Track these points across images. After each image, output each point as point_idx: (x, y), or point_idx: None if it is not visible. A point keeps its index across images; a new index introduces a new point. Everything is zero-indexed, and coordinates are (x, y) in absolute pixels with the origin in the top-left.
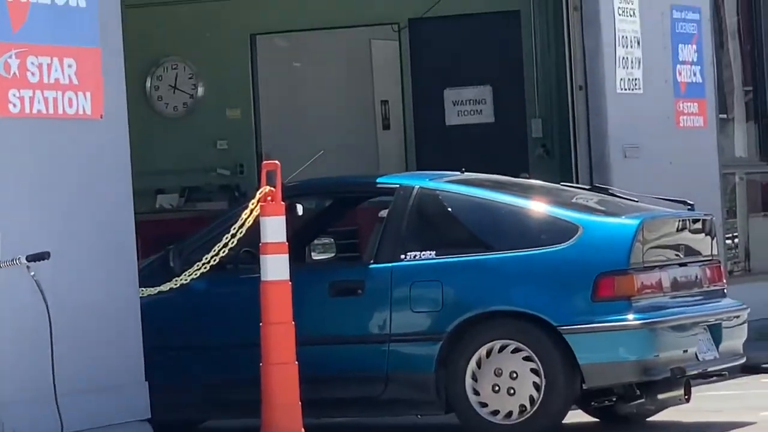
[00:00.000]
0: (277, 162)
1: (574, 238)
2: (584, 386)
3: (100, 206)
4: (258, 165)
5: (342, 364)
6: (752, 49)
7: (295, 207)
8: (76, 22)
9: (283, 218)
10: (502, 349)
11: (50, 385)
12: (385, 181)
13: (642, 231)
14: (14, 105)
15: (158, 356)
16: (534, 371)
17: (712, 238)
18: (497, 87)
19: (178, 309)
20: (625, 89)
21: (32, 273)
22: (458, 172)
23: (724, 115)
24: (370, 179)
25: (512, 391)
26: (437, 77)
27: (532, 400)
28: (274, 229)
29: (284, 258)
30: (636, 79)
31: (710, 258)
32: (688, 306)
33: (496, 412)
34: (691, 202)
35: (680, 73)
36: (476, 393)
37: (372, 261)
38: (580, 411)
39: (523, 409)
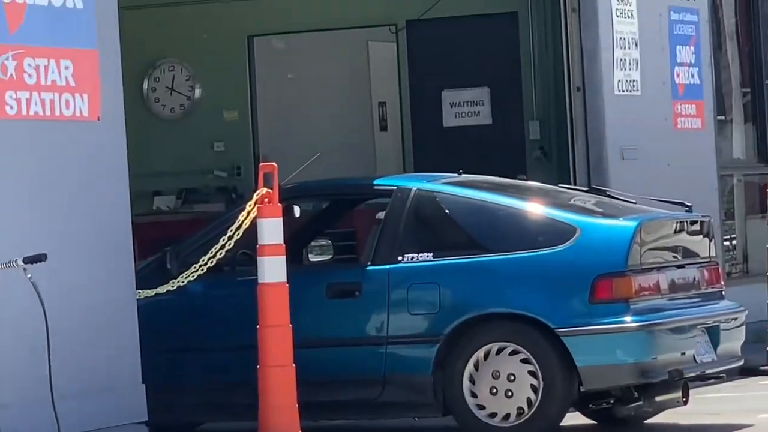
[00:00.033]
0: (274, 164)
1: (571, 239)
2: (582, 388)
3: (98, 208)
4: (255, 167)
5: (339, 367)
6: (750, 51)
7: (293, 209)
8: (73, 23)
9: (280, 220)
10: (499, 351)
11: (47, 387)
12: (382, 182)
13: (640, 233)
14: (11, 107)
15: (155, 358)
16: (531, 373)
17: (710, 240)
18: (495, 88)
19: (175, 311)
20: (623, 91)
21: (29, 275)
22: (456, 174)
23: (722, 117)
24: (368, 181)
25: (510, 394)
26: (435, 79)
27: (529, 402)
28: (271, 231)
29: (281, 260)
30: (634, 81)
31: (708, 260)
32: (686, 308)
33: (493, 415)
34: (689, 204)
35: (678, 75)
36: (474, 395)
37: (369, 263)
38: (577, 413)
39: (520, 411)
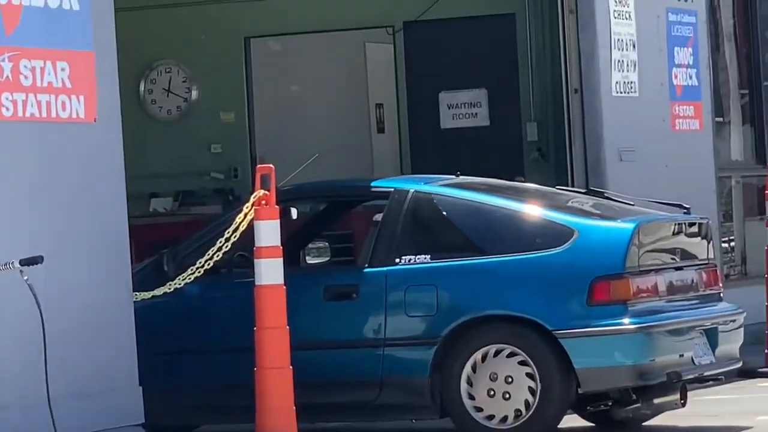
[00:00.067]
0: (271, 165)
1: (569, 241)
2: (580, 391)
3: (94, 210)
4: (252, 168)
5: (336, 369)
6: (748, 52)
7: (290, 211)
8: (70, 25)
9: (277, 222)
10: (497, 353)
11: (44, 389)
12: (379, 184)
13: (638, 235)
14: (7, 109)
15: (152, 361)
16: (529, 376)
17: (708, 242)
18: (492, 90)
19: (172, 313)
20: (621, 92)
21: (25, 277)
22: (453, 176)
23: (720, 119)
24: (365, 183)
25: (507, 396)
26: (432, 80)
27: (527, 404)
28: (269, 233)
29: (278, 262)
30: (631, 82)
31: (706, 262)
32: (684, 310)
33: (491, 417)
34: (687, 206)
35: (676, 76)
36: (471, 397)
37: (367, 265)
38: (575, 415)
39: (518, 413)
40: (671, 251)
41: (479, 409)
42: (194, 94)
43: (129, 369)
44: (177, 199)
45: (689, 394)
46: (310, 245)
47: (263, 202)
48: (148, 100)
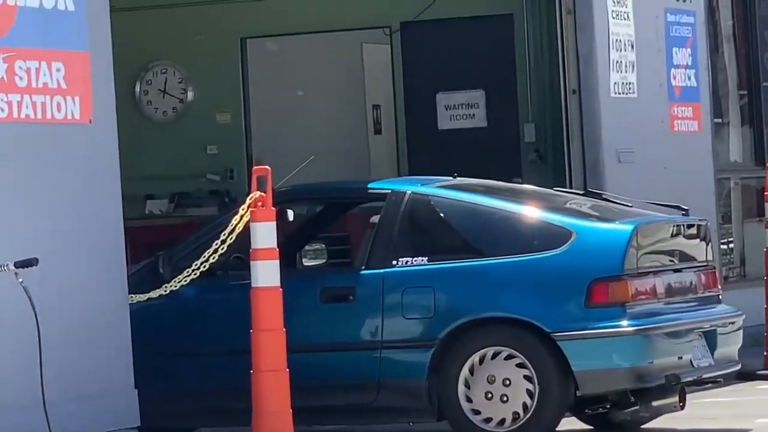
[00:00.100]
0: (267, 167)
1: (567, 243)
2: (578, 393)
3: (89, 212)
4: (248, 170)
5: (333, 372)
6: (747, 53)
7: (286, 213)
8: (65, 26)
9: (273, 224)
10: (495, 355)
11: (39, 391)
12: (376, 186)
13: (636, 236)
14: (2, 110)
15: (148, 363)
16: (527, 378)
17: (707, 244)
18: (490, 91)
19: (168, 316)
20: (619, 93)
21: (20, 279)
22: (450, 177)
23: (719, 120)
24: (362, 184)
25: (505, 398)
26: (429, 81)
27: (525, 407)
28: (265, 235)
29: (275, 264)
30: (630, 83)
31: (705, 264)
32: (682, 312)
33: (488, 420)
34: (686, 208)
35: (675, 77)
36: (469, 400)
37: (363, 267)
38: (573, 418)
39: (516, 416)
40: (670, 253)
41: (477, 412)
42: (190, 95)
43: (125, 371)
44: (173, 200)
45: (688, 396)
46: (306, 247)
47: (259, 203)
48: (143, 101)
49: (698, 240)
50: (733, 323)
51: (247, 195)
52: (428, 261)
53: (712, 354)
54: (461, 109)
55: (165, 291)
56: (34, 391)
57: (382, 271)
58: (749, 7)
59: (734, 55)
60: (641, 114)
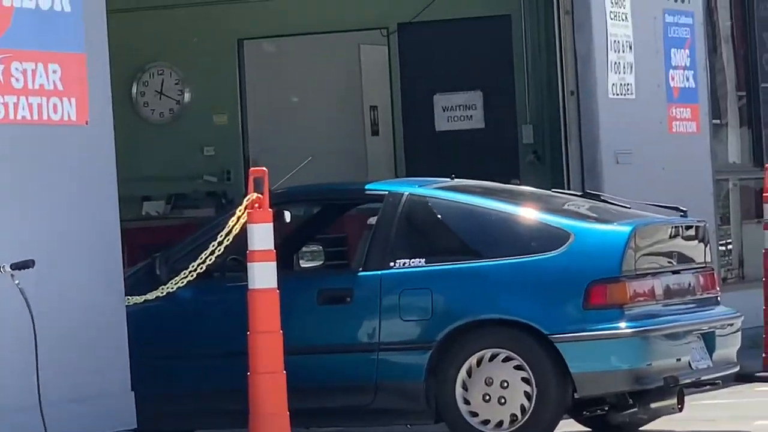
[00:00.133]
0: (264, 168)
1: (565, 245)
2: (576, 395)
3: (86, 213)
4: (245, 171)
5: (330, 373)
6: (746, 54)
7: (283, 214)
8: (61, 27)
9: (270, 226)
10: (492, 357)
11: (35, 393)
12: (373, 187)
13: (634, 238)
14: None
15: (144, 365)
16: (525, 380)
17: (706, 245)
18: (488, 92)
19: (165, 318)
20: (617, 94)
21: (17, 281)
22: (448, 179)
23: (718, 121)
24: (359, 186)
25: (503, 401)
26: (427, 82)
27: (523, 409)
28: (262, 237)
29: (272, 266)
30: (628, 84)
31: (703, 265)
32: (681, 314)
33: (486, 422)
34: (684, 209)
35: (673, 78)
36: (467, 402)
37: (361, 269)
38: (571, 420)
39: (514, 418)
40: (668, 255)
41: (474, 414)
42: (187, 96)
43: (121, 373)
44: (169, 202)
45: (686, 398)
46: (303, 249)
47: (256, 205)
48: (140, 102)
49: (697, 241)
50: (731, 325)
51: (244, 196)
52: (426, 263)
53: (711, 356)
54: (459, 111)
55: (162, 293)
56: (32, 392)
57: (379, 272)
58: (748, 8)
59: (733, 56)
60: (639, 115)
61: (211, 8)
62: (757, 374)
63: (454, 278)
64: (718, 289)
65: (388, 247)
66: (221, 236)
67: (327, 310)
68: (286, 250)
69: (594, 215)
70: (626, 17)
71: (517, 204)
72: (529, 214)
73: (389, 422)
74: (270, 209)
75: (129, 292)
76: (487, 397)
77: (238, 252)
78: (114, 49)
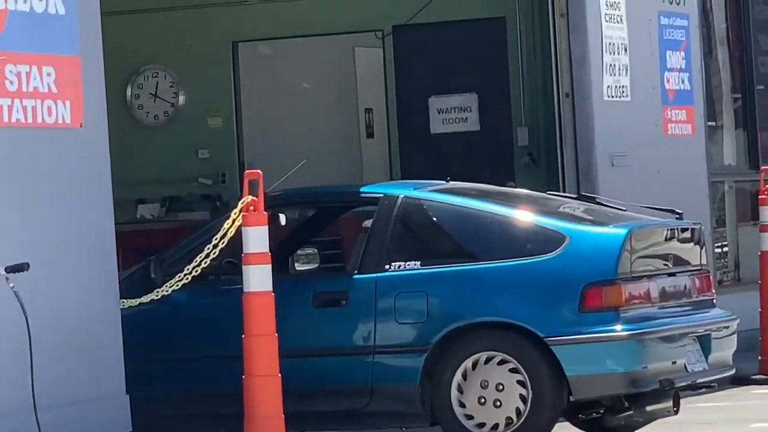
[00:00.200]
0: (259, 171)
1: (560, 247)
2: (571, 398)
3: (80, 216)
4: (240, 174)
5: (326, 376)
6: (741, 56)
7: (278, 217)
8: (55, 30)
9: (265, 228)
10: (488, 360)
11: (29, 396)
12: (369, 190)
13: (630, 240)
14: None
15: (140, 368)
16: (520, 383)
17: (701, 248)
18: (483, 94)
19: (160, 321)
20: (612, 96)
21: (11, 284)
22: (443, 181)
23: (713, 123)
24: (354, 188)
25: (498, 404)
26: (422, 85)
27: (518, 412)
28: (257, 240)
29: (267, 269)
30: (623, 87)
31: (699, 267)
32: (676, 316)
33: (482, 425)
34: (680, 211)
35: (668, 80)
36: (462, 405)
37: (356, 271)
38: (567, 423)
39: (509, 421)
40: (664, 257)
41: (470, 417)
42: (181, 99)
43: (116, 377)
44: (164, 205)
45: (682, 401)
46: (298, 252)
47: (251, 208)
48: (135, 105)
49: (692, 244)
50: (727, 327)
51: (239, 199)
52: (421, 265)
53: (707, 358)
54: (454, 113)
55: (156, 296)
56: (27, 396)
57: (374, 275)
58: (743, 10)
59: (728, 58)
60: (634, 117)
61: (206, 11)
62: (753, 377)
63: (449, 281)
64: (713, 291)
65: (384, 249)
66: (216, 239)
67: (322, 313)
68: (281, 253)
69: (589, 218)
70: (621, 19)
71: (512, 207)
72: (524, 216)
73: (384, 425)
74: (265, 212)
75: (124, 295)
76: (483, 400)
77: (233, 255)
78: (108, 51)
